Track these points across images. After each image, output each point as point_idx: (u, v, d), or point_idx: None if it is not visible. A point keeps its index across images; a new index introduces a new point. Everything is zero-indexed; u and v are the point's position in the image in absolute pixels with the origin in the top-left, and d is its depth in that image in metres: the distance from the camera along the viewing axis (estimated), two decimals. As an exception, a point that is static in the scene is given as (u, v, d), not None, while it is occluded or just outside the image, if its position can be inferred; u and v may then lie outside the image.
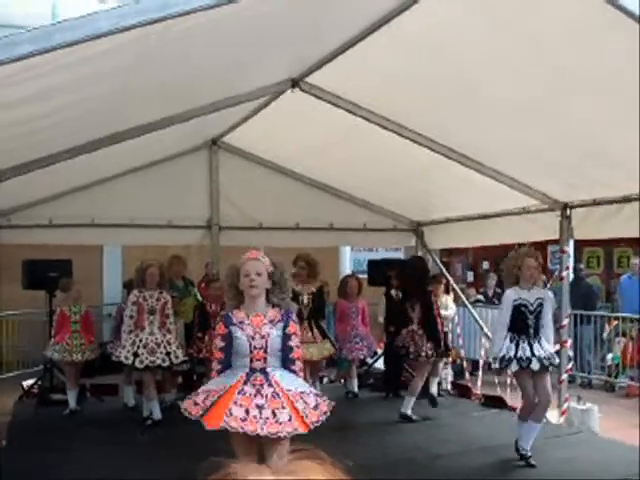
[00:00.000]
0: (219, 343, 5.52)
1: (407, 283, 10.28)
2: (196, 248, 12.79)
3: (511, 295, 8.08)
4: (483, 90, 6.94)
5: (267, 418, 5.24)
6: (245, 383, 5.36)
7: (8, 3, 13.90)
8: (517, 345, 7.95)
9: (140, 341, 9.48)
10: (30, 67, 4.22)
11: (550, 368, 8.08)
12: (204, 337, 10.58)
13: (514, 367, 7.93)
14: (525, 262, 7.99)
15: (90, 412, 10.59)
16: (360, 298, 11.75)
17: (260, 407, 5.27)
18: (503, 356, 8.00)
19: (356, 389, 11.76)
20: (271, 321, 5.46)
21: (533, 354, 7.89)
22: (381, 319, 11.82)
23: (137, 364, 9.44)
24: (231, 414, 5.21)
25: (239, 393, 5.32)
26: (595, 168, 7.93)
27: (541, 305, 8.05)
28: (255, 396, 5.32)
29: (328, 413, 5.48)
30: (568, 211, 9.50)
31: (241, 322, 5.45)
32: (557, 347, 10.62)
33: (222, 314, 5.73)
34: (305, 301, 10.57)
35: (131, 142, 8.01)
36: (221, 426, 5.18)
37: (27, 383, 11.75)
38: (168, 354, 9.59)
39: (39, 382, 11.35)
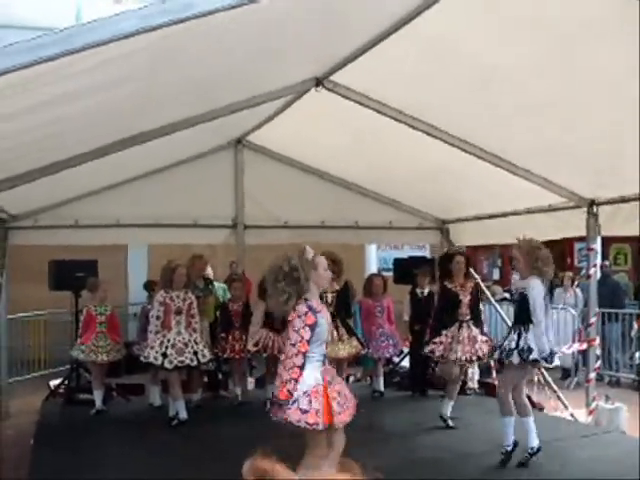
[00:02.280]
0: (307, 334, 5.58)
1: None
2: (222, 247, 12.80)
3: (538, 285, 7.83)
4: (510, 89, 6.89)
5: (344, 404, 5.69)
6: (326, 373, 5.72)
7: (33, 7, 13.98)
8: (519, 336, 7.81)
9: (168, 341, 9.50)
10: (56, 69, 4.22)
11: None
12: (227, 337, 10.60)
13: (515, 359, 7.77)
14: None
15: (116, 412, 10.63)
16: (385, 296, 11.70)
17: (339, 394, 5.69)
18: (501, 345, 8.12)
19: (382, 388, 11.72)
20: None
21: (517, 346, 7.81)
22: (406, 317, 11.78)
23: (166, 364, 9.46)
24: (336, 412, 5.59)
25: (329, 385, 5.65)
26: (623, 165, 7.84)
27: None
28: (332, 384, 5.69)
29: None
30: (595, 208, 9.43)
31: (319, 310, 5.68)
32: (584, 346, 10.57)
33: (305, 303, 5.67)
34: (329, 299, 10.56)
35: (156, 142, 8.01)
36: (334, 424, 5.59)
37: (54, 383, 11.82)
38: (195, 353, 9.62)
39: (66, 382, 11.40)
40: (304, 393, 5.54)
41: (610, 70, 5.94)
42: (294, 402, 5.52)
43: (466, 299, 9.51)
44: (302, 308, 5.62)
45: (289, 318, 5.69)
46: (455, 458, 8.26)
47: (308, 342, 5.56)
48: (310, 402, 5.51)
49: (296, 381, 5.55)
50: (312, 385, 5.56)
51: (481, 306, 12.25)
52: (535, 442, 7.84)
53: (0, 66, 3.90)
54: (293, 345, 5.59)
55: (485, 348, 9.43)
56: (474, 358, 9.46)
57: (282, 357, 5.75)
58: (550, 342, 7.82)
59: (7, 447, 9.19)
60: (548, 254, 7.82)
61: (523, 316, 7.85)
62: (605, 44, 5.60)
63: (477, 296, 9.85)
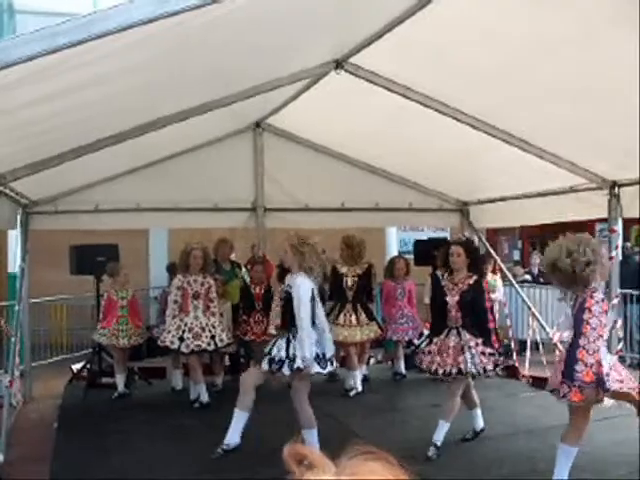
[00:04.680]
0: (604, 319, 6.21)
1: None
2: (242, 230, 12.80)
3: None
4: (533, 70, 6.83)
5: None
6: None
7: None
8: (288, 343, 7.41)
9: (185, 325, 9.54)
10: (75, 56, 4.22)
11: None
12: (249, 319, 10.63)
13: (286, 370, 7.38)
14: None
15: (138, 395, 10.71)
16: (407, 279, 11.71)
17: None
18: (272, 357, 7.53)
19: (403, 370, 11.75)
20: None
21: None
22: (427, 300, 11.77)
23: (183, 348, 9.51)
24: None
25: None
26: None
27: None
28: None
29: None
30: (617, 189, 9.36)
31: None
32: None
33: (599, 291, 6.21)
34: (349, 283, 10.56)
35: (175, 126, 8.01)
36: None
37: (76, 367, 11.89)
38: (213, 337, 9.65)
39: (88, 366, 11.48)
40: (611, 368, 6.15)
41: (634, 53, 5.87)
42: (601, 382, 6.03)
43: (454, 300, 7.86)
44: (599, 295, 6.12)
45: (586, 305, 6.08)
46: (476, 440, 8.29)
47: (605, 326, 6.13)
48: (620, 373, 6.27)
49: (600, 364, 6.02)
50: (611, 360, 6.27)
51: (500, 290, 12.22)
52: None
53: (21, 54, 3.92)
54: (594, 329, 6.02)
55: (481, 361, 7.68)
56: (454, 370, 7.63)
57: (581, 342, 6.05)
58: (322, 346, 7.34)
59: (31, 430, 9.27)
60: (315, 251, 7.45)
61: (290, 319, 7.41)
62: (630, 27, 5.54)
63: (475, 297, 7.84)
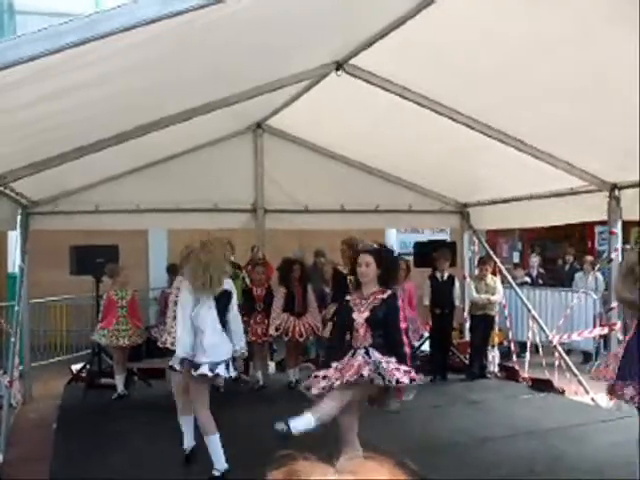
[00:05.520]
0: None
1: None
2: (241, 232, 12.81)
3: None
4: (532, 71, 6.84)
5: None
6: None
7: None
8: None
9: (185, 327, 9.52)
10: (78, 56, 4.23)
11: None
12: (249, 321, 10.63)
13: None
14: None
15: (138, 396, 10.70)
16: (407, 281, 11.70)
17: None
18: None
19: (402, 372, 11.71)
20: None
21: None
22: (427, 301, 11.77)
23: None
24: None
25: None
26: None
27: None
28: None
29: None
30: (617, 192, 9.37)
31: None
32: (606, 330, 10.52)
33: None
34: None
35: (176, 127, 8.02)
36: None
37: (76, 367, 11.89)
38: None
39: (87, 366, 11.48)
40: None
41: (633, 53, 5.88)
42: None
43: (362, 317, 6.45)
44: None
45: None
46: (473, 442, 8.28)
47: None
48: None
49: None
50: None
51: (500, 292, 12.20)
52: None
53: (23, 53, 3.92)
54: None
55: (391, 371, 6.13)
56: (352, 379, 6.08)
57: None
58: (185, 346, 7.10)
59: (30, 430, 9.27)
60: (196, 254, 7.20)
61: None
62: (628, 27, 5.55)
63: (388, 314, 6.42)
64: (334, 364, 6.34)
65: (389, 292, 6.49)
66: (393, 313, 6.42)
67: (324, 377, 6.30)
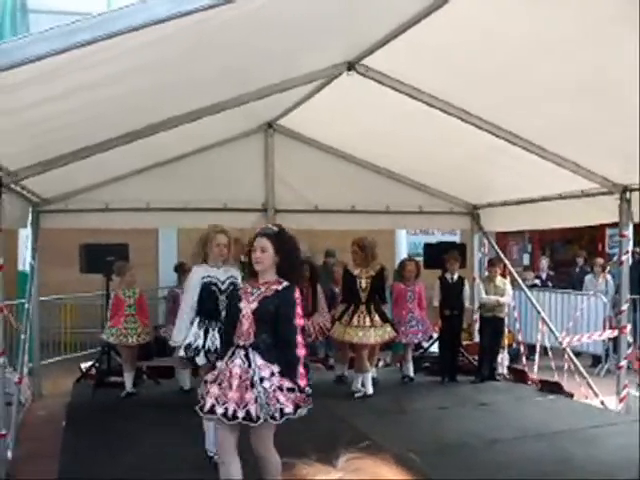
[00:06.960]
0: None
1: None
2: (251, 231, 12.78)
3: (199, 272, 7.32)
4: (543, 73, 6.82)
5: None
6: None
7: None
8: (206, 333, 7.24)
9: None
10: (89, 54, 4.24)
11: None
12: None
13: (201, 360, 7.22)
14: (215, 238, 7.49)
15: (146, 395, 10.71)
16: (418, 282, 11.69)
17: None
18: (189, 344, 7.23)
19: (412, 373, 11.72)
20: None
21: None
22: (436, 302, 11.76)
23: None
24: None
25: None
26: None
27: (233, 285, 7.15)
28: None
29: None
30: (628, 194, 9.34)
31: None
32: (615, 333, 10.49)
33: None
34: (363, 285, 10.55)
35: (187, 126, 8.02)
36: None
37: (85, 365, 11.91)
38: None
39: (96, 364, 11.50)
40: None
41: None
42: None
43: (249, 308, 5.59)
44: None
45: None
46: (482, 444, 8.25)
47: None
48: None
49: None
50: None
51: (509, 294, 12.17)
52: None
53: (38, 51, 3.93)
54: None
55: (276, 400, 5.35)
56: (240, 414, 5.34)
57: None
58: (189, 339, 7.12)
59: (39, 427, 9.30)
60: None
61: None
62: (636, 26, 5.52)
63: (279, 307, 5.51)
64: (218, 364, 5.66)
65: (285, 283, 5.56)
66: (286, 307, 5.49)
67: (207, 392, 5.58)
